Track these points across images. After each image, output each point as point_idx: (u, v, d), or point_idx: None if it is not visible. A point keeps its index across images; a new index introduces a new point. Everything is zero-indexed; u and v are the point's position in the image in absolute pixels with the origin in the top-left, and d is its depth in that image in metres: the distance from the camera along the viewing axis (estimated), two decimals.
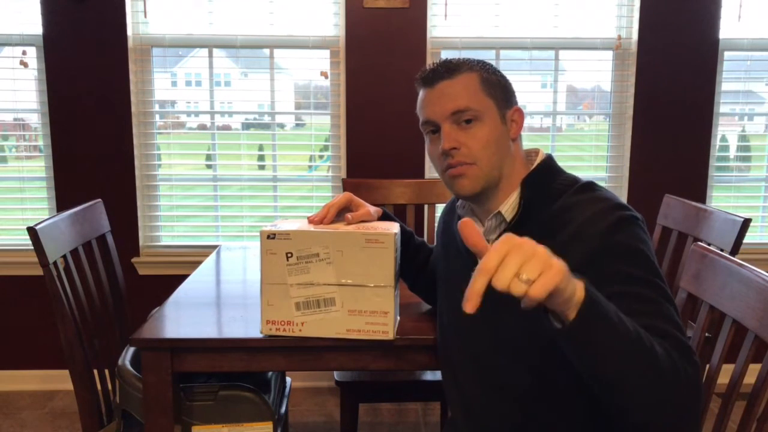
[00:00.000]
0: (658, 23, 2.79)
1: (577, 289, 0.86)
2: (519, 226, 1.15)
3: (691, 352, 0.99)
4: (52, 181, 2.84)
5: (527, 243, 0.82)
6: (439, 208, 2.61)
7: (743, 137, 3.05)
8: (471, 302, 0.79)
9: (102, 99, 2.78)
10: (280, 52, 2.84)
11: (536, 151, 1.23)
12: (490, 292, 1.02)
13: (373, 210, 1.36)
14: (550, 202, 1.14)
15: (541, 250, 0.81)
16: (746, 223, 1.72)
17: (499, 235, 1.16)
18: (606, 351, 0.90)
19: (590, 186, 1.16)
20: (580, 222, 1.08)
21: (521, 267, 0.79)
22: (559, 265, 0.81)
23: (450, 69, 1.18)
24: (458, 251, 1.27)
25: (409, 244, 1.44)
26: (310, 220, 1.31)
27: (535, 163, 1.20)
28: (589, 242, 1.05)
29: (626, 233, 1.06)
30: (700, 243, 1.37)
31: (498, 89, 1.19)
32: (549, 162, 1.21)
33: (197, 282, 1.77)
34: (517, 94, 1.24)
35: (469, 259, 1.22)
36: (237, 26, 2.81)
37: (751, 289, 1.14)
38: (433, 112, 1.18)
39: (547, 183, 1.17)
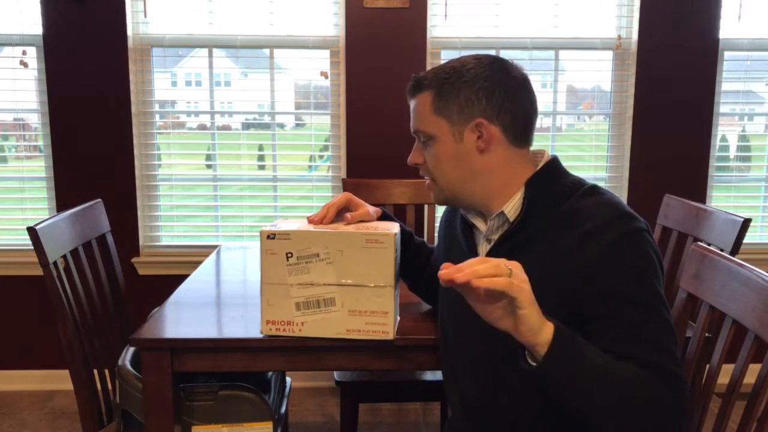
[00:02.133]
0: (658, 23, 2.79)
1: (545, 329, 0.94)
2: (522, 226, 1.15)
3: (675, 379, 1.01)
4: (52, 181, 2.84)
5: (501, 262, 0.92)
6: (440, 209, 2.61)
7: (743, 137, 3.05)
8: (446, 274, 0.89)
9: (102, 99, 2.77)
10: (280, 52, 2.84)
11: (542, 153, 1.23)
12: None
13: (372, 210, 1.37)
14: (555, 205, 1.14)
15: (511, 267, 0.92)
16: (746, 223, 1.72)
17: (502, 235, 1.17)
18: (573, 389, 0.98)
19: (595, 190, 1.15)
20: (584, 231, 1.07)
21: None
22: (511, 282, 0.90)
23: (414, 87, 1.22)
24: (461, 250, 1.27)
25: (409, 245, 1.44)
26: (310, 220, 1.31)
27: (540, 165, 1.20)
28: (590, 254, 1.06)
29: (628, 250, 1.05)
30: (700, 243, 1.37)
31: (452, 105, 1.16)
32: (553, 164, 1.21)
33: (197, 282, 1.77)
34: None
35: (469, 258, 1.22)
36: (237, 26, 2.80)
37: (751, 289, 1.14)
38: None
39: (551, 185, 1.17)
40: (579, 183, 1.17)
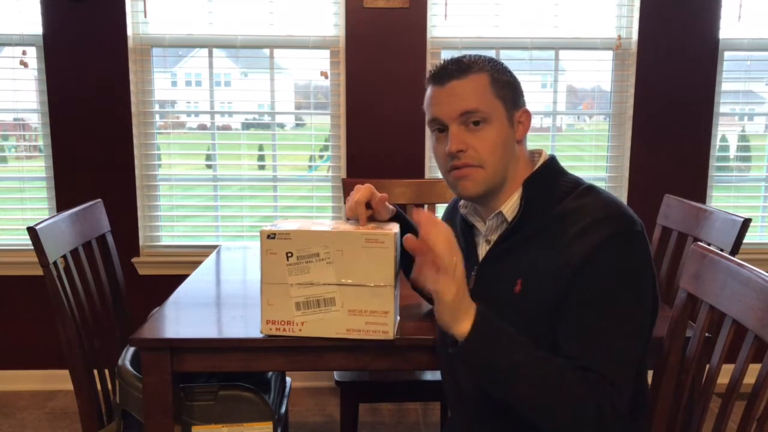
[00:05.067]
0: (658, 23, 2.79)
1: (462, 323, 1.01)
2: (519, 226, 1.16)
3: (608, 387, 1.02)
4: (52, 181, 2.84)
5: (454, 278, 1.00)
6: (440, 208, 2.61)
7: (743, 137, 3.05)
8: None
9: (102, 99, 2.77)
10: (280, 52, 2.84)
11: (539, 152, 1.23)
12: (484, 292, 1.14)
13: (390, 208, 1.38)
14: (552, 205, 1.14)
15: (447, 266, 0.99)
16: (746, 223, 1.72)
17: (500, 235, 1.17)
18: (486, 381, 1.05)
19: (592, 190, 1.15)
20: (576, 230, 1.08)
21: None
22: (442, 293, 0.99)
23: (461, 68, 1.16)
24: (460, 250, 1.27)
25: None
26: (350, 217, 1.30)
27: (538, 164, 1.20)
28: (578, 252, 1.06)
29: (612, 252, 1.06)
30: (700, 243, 1.37)
31: (508, 90, 1.18)
32: (551, 163, 1.21)
33: (197, 282, 1.77)
34: None
35: (471, 259, 1.22)
36: (237, 26, 2.80)
37: (751, 289, 1.14)
38: (441, 112, 1.16)
39: (548, 184, 1.17)
40: (576, 182, 1.17)
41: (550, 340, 1.08)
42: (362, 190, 1.29)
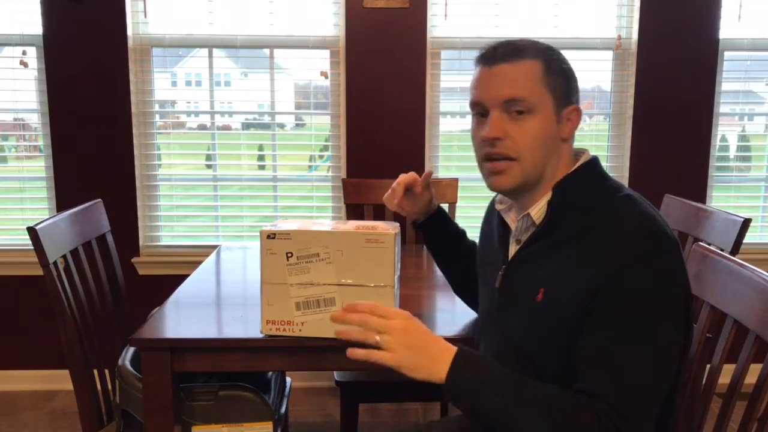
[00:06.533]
0: (658, 23, 2.79)
1: (436, 370, 1.02)
2: (547, 231, 1.10)
3: (621, 425, 0.94)
4: (52, 181, 2.84)
5: (395, 324, 1.03)
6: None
7: (743, 137, 3.04)
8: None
9: (102, 99, 2.77)
10: (280, 52, 2.84)
11: (584, 152, 1.16)
12: (509, 294, 1.16)
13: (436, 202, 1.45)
14: (584, 211, 1.07)
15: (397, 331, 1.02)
16: (746, 223, 1.72)
17: (529, 237, 1.13)
18: (477, 417, 1.02)
19: (629, 199, 1.07)
20: (606, 243, 1.01)
21: (379, 336, 1.02)
22: (397, 358, 1.02)
23: (514, 52, 1.08)
24: (492, 245, 1.25)
25: (460, 243, 1.47)
26: (385, 199, 1.39)
27: (575, 166, 1.13)
28: (604, 267, 0.99)
29: (637, 276, 0.98)
30: (700, 243, 1.37)
31: (561, 82, 1.10)
32: (590, 166, 1.13)
33: (197, 282, 1.77)
34: None
35: (500, 254, 1.20)
36: (237, 26, 2.80)
37: (751, 289, 1.14)
38: (485, 95, 1.09)
39: (582, 189, 1.10)
40: (614, 189, 1.10)
41: (571, 355, 1.02)
42: (407, 175, 1.37)
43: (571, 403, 0.97)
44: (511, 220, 1.20)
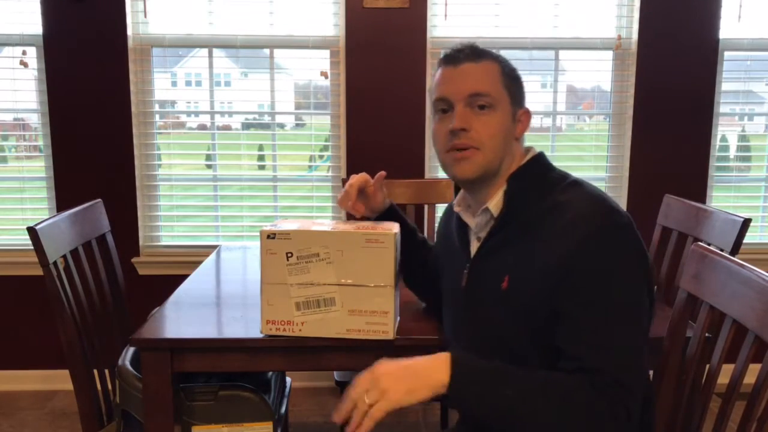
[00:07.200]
0: (658, 23, 2.79)
1: (439, 366, 1.00)
2: (506, 222, 1.16)
3: (618, 388, 1.00)
4: (52, 181, 2.84)
5: (371, 375, 1.01)
6: (440, 208, 2.61)
7: (743, 137, 3.05)
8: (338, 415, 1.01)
9: (102, 99, 2.77)
10: (280, 52, 2.84)
11: (531, 149, 1.24)
12: (475, 290, 1.18)
13: (388, 200, 1.43)
14: (538, 200, 1.14)
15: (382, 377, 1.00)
16: (746, 223, 1.72)
17: (488, 232, 1.18)
18: (490, 416, 1.02)
19: (577, 183, 1.16)
20: (562, 224, 1.08)
21: (367, 395, 0.99)
22: (392, 394, 0.99)
23: (476, 53, 1.19)
24: (455, 249, 1.28)
25: (413, 238, 1.46)
26: (339, 202, 1.37)
27: (525, 160, 1.21)
28: (565, 248, 1.06)
29: (601, 247, 1.05)
30: (700, 243, 1.37)
31: (514, 86, 1.20)
32: (537, 159, 1.22)
33: (197, 282, 1.77)
34: None
35: (462, 255, 1.23)
36: (237, 26, 2.80)
37: (751, 289, 1.14)
38: (451, 90, 1.18)
39: (533, 180, 1.18)
40: (562, 177, 1.18)
41: (546, 337, 1.07)
42: (358, 176, 1.37)
43: (577, 383, 1.01)
44: (470, 218, 1.25)
